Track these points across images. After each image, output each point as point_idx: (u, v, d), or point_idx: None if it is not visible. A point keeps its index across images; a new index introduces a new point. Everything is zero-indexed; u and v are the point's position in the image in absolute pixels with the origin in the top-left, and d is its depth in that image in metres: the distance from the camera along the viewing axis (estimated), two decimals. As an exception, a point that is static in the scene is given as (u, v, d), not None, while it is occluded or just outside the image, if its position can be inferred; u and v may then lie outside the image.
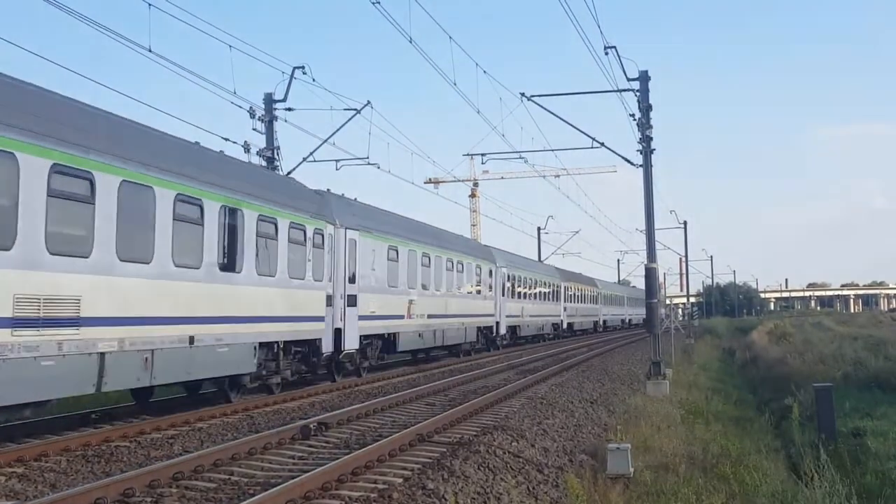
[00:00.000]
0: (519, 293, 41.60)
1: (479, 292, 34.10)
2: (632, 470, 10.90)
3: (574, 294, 55.94)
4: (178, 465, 9.49)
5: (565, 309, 52.38)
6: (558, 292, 50.98)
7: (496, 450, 11.00)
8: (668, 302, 69.28)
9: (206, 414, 14.56)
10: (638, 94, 23.32)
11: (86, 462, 10.36)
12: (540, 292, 46.74)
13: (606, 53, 21.96)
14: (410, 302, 25.28)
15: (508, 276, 39.17)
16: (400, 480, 9.17)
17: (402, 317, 24.70)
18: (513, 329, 40.42)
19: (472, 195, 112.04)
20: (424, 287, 26.87)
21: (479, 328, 34.16)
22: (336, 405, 16.17)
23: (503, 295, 37.94)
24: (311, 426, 12.52)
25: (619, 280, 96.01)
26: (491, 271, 36.32)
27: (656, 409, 17.33)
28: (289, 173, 24.42)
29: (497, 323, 36.93)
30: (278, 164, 24.43)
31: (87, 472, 9.82)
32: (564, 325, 51.81)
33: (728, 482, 10.57)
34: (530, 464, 10.79)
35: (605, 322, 68.19)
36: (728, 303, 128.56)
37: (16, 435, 11.88)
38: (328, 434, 12.54)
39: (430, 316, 27.15)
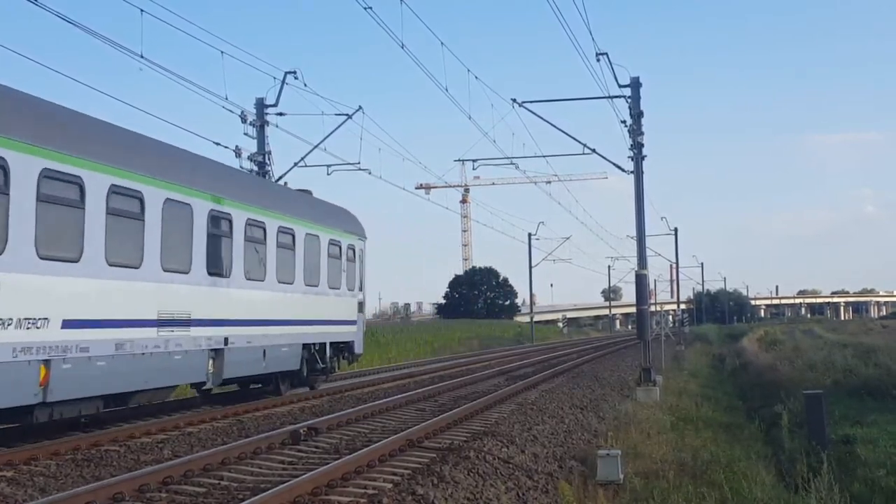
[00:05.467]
0: None
1: None
2: (622, 476, 10.90)
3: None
4: (167, 470, 9.46)
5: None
6: None
7: (486, 455, 10.99)
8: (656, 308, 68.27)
9: (196, 418, 14.54)
10: (629, 100, 23.39)
11: (75, 466, 10.32)
12: None
13: (598, 60, 22.02)
14: None
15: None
16: (390, 486, 9.15)
17: None
18: None
19: (464, 201, 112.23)
20: None
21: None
22: (326, 410, 16.16)
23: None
24: (301, 431, 12.51)
25: (610, 286, 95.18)
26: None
27: (646, 415, 17.34)
28: (279, 178, 24.38)
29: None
30: (269, 169, 24.37)
31: (76, 476, 9.78)
32: None
33: (718, 489, 10.57)
34: (520, 470, 10.79)
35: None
36: (718, 310, 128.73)
37: (5, 439, 11.82)
38: (318, 439, 12.53)
39: None
